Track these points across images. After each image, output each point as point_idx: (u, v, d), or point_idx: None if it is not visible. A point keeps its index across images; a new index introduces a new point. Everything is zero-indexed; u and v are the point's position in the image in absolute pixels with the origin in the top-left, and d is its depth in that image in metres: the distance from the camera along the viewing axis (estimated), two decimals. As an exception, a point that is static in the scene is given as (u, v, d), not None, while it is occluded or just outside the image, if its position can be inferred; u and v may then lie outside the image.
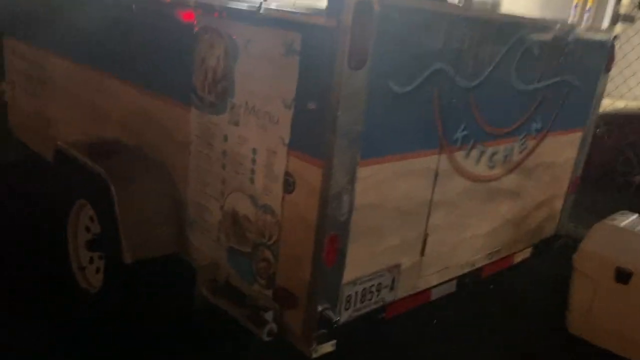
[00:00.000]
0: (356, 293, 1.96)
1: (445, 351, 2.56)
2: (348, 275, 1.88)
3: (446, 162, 2.10)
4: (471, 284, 2.50)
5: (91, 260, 2.64)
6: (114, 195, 2.24)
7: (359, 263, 1.91)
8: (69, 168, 2.56)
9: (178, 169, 2.34)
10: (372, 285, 2.01)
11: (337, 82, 1.61)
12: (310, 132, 1.73)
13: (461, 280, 2.44)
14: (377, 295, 2.04)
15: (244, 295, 2.05)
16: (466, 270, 2.46)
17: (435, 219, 2.15)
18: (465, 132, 2.12)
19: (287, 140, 1.80)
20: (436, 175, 2.08)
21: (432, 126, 1.99)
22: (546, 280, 3.26)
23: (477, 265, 2.51)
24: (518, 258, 2.79)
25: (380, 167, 1.84)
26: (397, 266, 2.08)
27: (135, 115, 2.50)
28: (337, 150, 1.67)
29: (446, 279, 2.36)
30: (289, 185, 1.83)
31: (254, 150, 1.93)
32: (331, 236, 1.76)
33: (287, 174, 1.82)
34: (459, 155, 2.14)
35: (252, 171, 1.96)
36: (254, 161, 1.94)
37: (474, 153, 2.21)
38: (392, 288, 2.10)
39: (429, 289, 2.29)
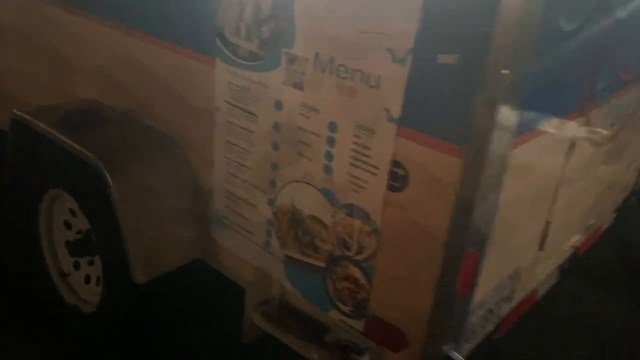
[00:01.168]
0: (478, 318, 1.41)
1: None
2: (474, 299, 1.33)
3: (582, 125, 1.52)
4: (570, 269, 2.00)
5: (76, 265, 1.99)
6: (110, 187, 1.57)
7: (485, 279, 1.35)
8: (33, 146, 1.84)
9: (196, 146, 1.68)
10: (493, 303, 1.47)
11: (506, 18, 0.98)
12: (443, 103, 1.11)
13: (562, 266, 1.93)
14: (497, 313, 1.51)
15: (315, 325, 1.48)
16: (568, 254, 1.95)
17: (559, 201, 1.60)
18: (604, 83, 1.54)
19: (396, 114, 1.17)
20: (572, 144, 1.51)
21: (581, 78, 1.40)
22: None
23: (576, 245, 2.00)
24: (604, 226, 2.31)
25: (529, 146, 1.25)
26: (517, 271, 1.54)
27: (131, 72, 1.78)
28: (495, 130, 1.06)
29: (550, 269, 1.85)
30: (397, 180, 1.22)
31: (332, 126, 1.30)
32: (470, 255, 1.18)
33: (394, 163, 1.21)
34: (594, 114, 1.56)
35: (328, 156, 1.33)
36: (331, 142, 1.31)
37: (605, 109, 1.64)
38: (509, 298, 1.57)
39: (535, 288, 1.78)
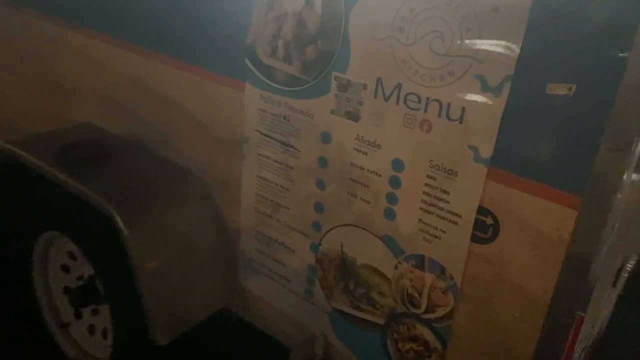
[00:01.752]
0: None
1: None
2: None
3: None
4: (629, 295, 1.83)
5: (78, 313, 1.74)
6: (123, 233, 1.33)
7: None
8: (23, 183, 1.59)
9: (220, 182, 1.45)
10: (578, 352, 1.28)
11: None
12: (552, 141, 0.91)
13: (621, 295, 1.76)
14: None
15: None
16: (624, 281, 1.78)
17: (630, 235, 1.42)
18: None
19: (486, 154, 0.97)
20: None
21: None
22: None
23: (633, 270, 1.83)
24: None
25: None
26: (599, 311, 1.36)
27: (142, 96, 1.54)
28: (626, 176, 0.86)
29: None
30: (483, 229, 1.01)
31: (397, 164, 1.09)
32: (579, 318, 0.98)
33: (480, 210, 1.00)
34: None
35: (391, 199, 1.12)
36: (395, 182, 1.10)
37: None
38: (589, 339, 1.38)
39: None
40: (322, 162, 1.21)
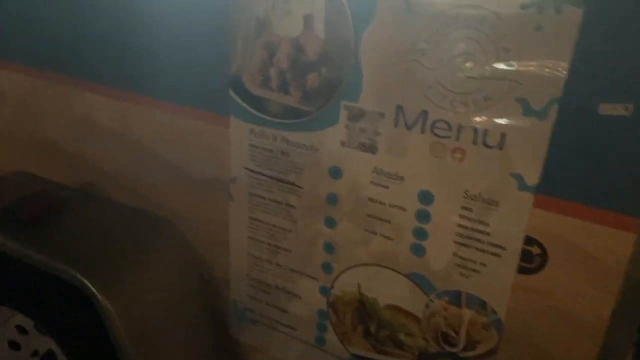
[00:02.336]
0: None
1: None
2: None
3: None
4: None
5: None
6: (97, 302, 1.14)
7: None
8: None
9: (202, 228, 1.29)
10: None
11: None
12: (608, 164, 0.85)
13: None
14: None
15: None
16: None
17: None
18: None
19: (532, 181, 0.90)
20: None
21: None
22: None
23: None
24: None
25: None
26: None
27: (95, 136, 1.33)
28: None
29: None
30: (529, 260, 0.95)
31: (425, 197, 1.00)
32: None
33: (527, 240, 0.94)
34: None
35: (420, 234, 1.02)
36: (424, 216, 1.01)
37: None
38: None
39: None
40: (332, 198, 1.09)
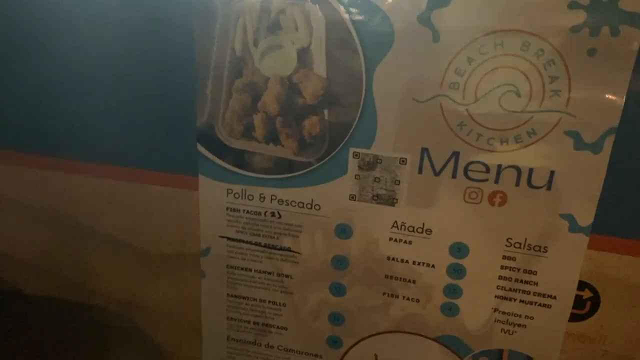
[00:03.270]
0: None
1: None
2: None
3: None
4: None
5: None
6: None
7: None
8: None
9: (165, 316, 1.04)
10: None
11: None
12: None
13: None
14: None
15: None
16: None
17: None
18: None
19: (585, 222, 0.80)
20: None
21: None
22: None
23: None
24: None
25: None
26: None
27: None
28: None
29: None
30: (581, 305, 0.86)
31: (458, 250, 0.86)
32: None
33: (580, 285, 0.84)
34: None
35: (452, 291, 0.89)
36: (457, 272, 0.88)
37: None
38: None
39: None
40: (339, 262, 0.92)
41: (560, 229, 0.81)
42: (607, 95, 0.74)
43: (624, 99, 0.74)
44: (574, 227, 0.81)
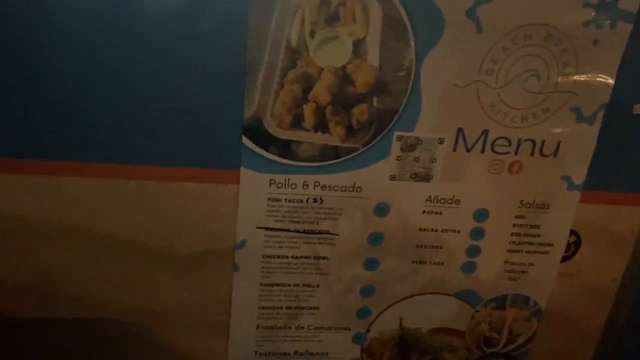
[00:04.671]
0: None
1: None
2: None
3: None
4: None
5: None
6: None
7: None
8: None
9: (190, 316, 1.01)
10: None
11: None
12: (638, 155, 1.01)
13: None
14: None
15: None
16: None
17: None
18: None
19: (579, 180, 1.00)
20: None
21: None
22: None
23: None
24: None
25: None
26: None
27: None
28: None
29: None
30: (568, 248, 1.07)
31: (481, 215, 1.01)
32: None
33: (570, 233, 1.05)
34: None
35: (472, 252, 1.03)
36: (478, 234, 1.02)
37: None
38: None
39: None
40: (375, 238, 0.99)
41: (560, 188, 0.99)
42: (601, 77, 0.92)
43: (613, 80, 0.93)
44: (571, 186, 0.99)
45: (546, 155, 0.96)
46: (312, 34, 0.83)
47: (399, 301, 1.05)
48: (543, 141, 0.95)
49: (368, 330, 1.06)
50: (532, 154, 0.96)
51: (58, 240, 0.89)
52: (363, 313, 1.05)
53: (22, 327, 0.92)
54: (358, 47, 0.85)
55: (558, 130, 0.95)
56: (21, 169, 0.84)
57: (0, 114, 0.80)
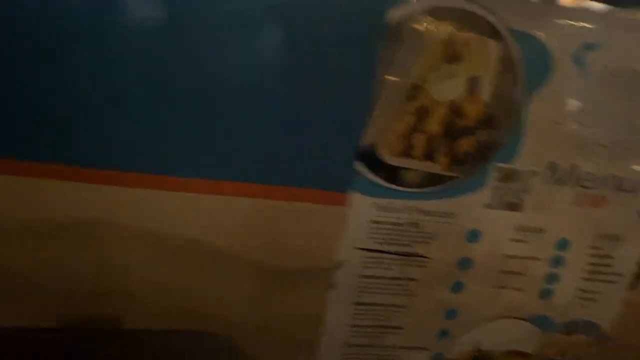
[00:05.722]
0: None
1: None
2: None
3: None
4: None
5: None
6: None
7: None
8: None
9: (276, 340, 1.04)
10: None
11: None
12: None
13: None
14: None
15: None
16: None
17: None
18: None
19: (654, 214, 1.07)
20: None
21: None
22: None
23: None
24: None
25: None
26: None
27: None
28: None
29: None
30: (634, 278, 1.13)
31: (562, 244, 1.07)
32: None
33: (639, 264, 1.12)
34: None
35: (551, 279, 1.09)
36: (558, 262, 1.08)
37: None
38: None
39: None
40: (464, 263, 1.04)
41: (635, 221, 1.06)
42: (682, 122, 1.00)
43: (693, 125, 1.00)
44: (644, 220, 1.06)
45: (627, 191, 1.03)
46: (435, 69, 0.88)
47: (477, 324, 1.09)
48: (623, 178, 1.02)
49: (445, 352, 1.10)
50: (615, 190, 1.02)
51: (174, 253, 0.91)
52: (443, 334, 1.09)
53: (123, 337, 0.94)
54: (472, 83, 0.90)
55: (637, 167, 1.01)
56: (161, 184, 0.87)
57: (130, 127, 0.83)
